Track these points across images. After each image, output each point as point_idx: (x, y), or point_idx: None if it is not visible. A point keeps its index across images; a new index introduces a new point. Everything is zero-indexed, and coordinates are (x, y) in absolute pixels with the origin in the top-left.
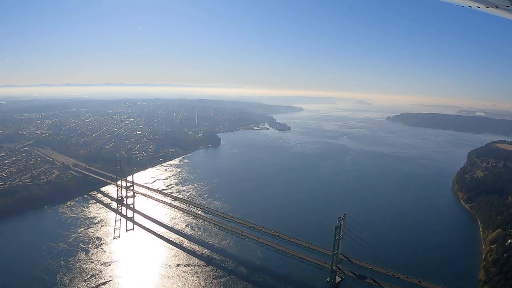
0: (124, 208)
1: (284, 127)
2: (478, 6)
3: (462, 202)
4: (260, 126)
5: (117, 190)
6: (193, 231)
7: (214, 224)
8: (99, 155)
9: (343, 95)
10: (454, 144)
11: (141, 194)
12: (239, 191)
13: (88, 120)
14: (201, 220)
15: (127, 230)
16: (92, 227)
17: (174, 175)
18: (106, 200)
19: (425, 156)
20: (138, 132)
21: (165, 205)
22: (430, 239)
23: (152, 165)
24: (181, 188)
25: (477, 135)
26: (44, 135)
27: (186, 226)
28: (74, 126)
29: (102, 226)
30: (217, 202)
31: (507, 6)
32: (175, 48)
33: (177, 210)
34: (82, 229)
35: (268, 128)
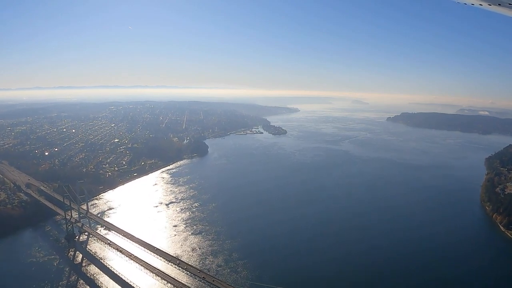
0: (73, 250)
1: (279, 131)
2: (480, 4)
3: (502, 227)
4: (253, 130)
5: (66, 225)
6: None
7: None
8: (62, 171)
9: (338, 94)
10: (465, 147)
11: (92, 235)
12: (223, 224)
13: (63, 127)
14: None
15: None
16: (23, 282)
17: (147, 195)
18: (55, 236)
19: (440, 163)
20: (115, 140)
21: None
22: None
23: (124, 181)
24: (151, 215)
25: (485, 136)
26: (6, 145)
27: (149, 277)
28: (44, 134)
29: (35, 280)
30: (195, 239)
31: (510, 4)
32: (171, 45)
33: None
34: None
35: (261, 132)
